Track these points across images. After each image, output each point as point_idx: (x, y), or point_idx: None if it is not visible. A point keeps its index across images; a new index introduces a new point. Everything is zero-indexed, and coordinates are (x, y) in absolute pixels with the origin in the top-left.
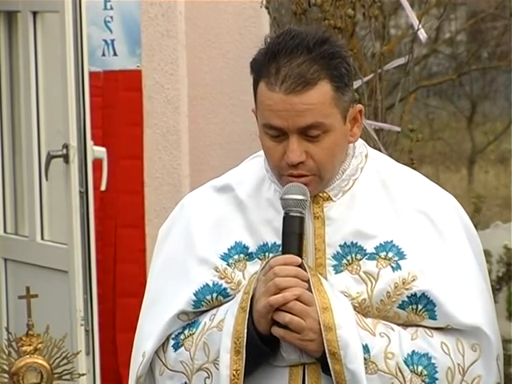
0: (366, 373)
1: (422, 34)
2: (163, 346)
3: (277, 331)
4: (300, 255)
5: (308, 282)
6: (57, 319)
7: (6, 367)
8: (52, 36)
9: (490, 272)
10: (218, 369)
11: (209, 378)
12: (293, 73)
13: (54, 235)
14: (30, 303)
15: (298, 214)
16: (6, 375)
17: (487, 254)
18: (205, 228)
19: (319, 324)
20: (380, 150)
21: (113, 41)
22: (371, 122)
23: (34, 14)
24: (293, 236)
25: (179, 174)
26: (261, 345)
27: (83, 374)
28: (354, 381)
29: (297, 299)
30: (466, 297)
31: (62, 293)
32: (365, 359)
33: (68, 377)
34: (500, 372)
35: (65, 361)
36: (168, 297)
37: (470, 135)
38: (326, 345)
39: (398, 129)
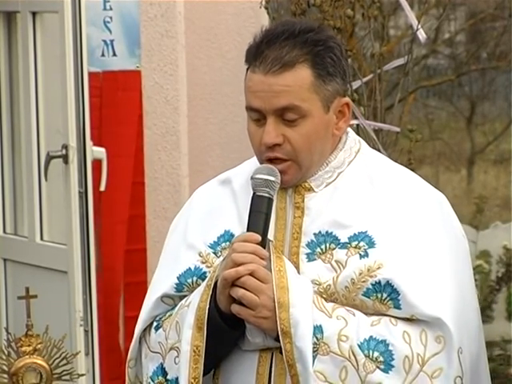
0: (318, 353)
1: (422, 35)
2: (149, 329)
3: (233, 307)
4: (264, 234)
5: (269, 260)
6: (56, 320)
7: (5, 368)
8: (51, 36)
9: (489, 272)
10: None
11: (178, 356)
12: (272, 54)
13: (53, 236)
14: (30, 304)
15: (266, 194)
16: (5, 375)
17: (487, 254)
18: (199, 217)
19: (274, 302)
20: (379, 151)
21: (112, 41)
22: (370, 122)
23: (34, 14)
24: (258, 215)
25: (178, 174)
26: (220, 322)
27: (82, 375)
28: (301, 359)
29: (251, 275)
30: (431, 288)
31: (61, 293)
32: (317, 339)
33: (67, 377)
34: (462, 366)
35: (64, 361)
36: (156, 282)
37: (469, 136)
38: (278, 323)
39: (398, 129)
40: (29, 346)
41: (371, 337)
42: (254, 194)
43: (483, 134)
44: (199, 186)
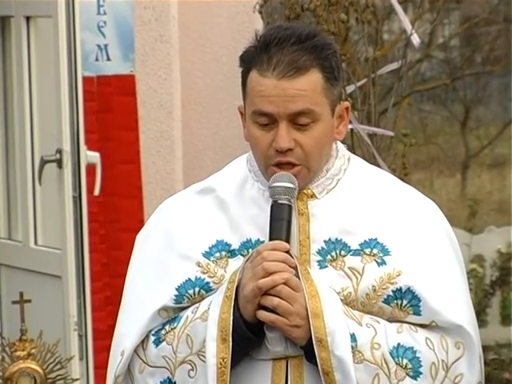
0: (353, 361)
1: (416, 39)
2: (142, 343)
3: (265, 315)
4: (288, 242)
5: (296, 269)
6: (50, 324)
7: None
8: (45, 41)
9: (483, 276)
10: (202, 360)
11: (193, 370)
12: (285, 59)
13: (47, 240)
14: (24, 308)
15: (287, 202)
16: None
17: (481, 258)
18: (185, 228)
19: (306, 310)
20: (373, 155)
21: (106, 46)
22: (364, 126)
23: (27, 18)
24: (281, 222)
25: (173, 178)
26: (247, 331)
27: (76, 379)
28: (341, 367)
29: (285, 283)
30: (450, 295)
31: (55, 298)
32: (352, 348)
33: (61, 382)
34: (482, 372)
35: (58, 366)
36: (148, 294)
37: (463, 140)
38: (312, 331)
39: (392, 133)
40: (23, 350)
41: (399, 344)
42: (274, 202)
43: (477, 139)
44: None
